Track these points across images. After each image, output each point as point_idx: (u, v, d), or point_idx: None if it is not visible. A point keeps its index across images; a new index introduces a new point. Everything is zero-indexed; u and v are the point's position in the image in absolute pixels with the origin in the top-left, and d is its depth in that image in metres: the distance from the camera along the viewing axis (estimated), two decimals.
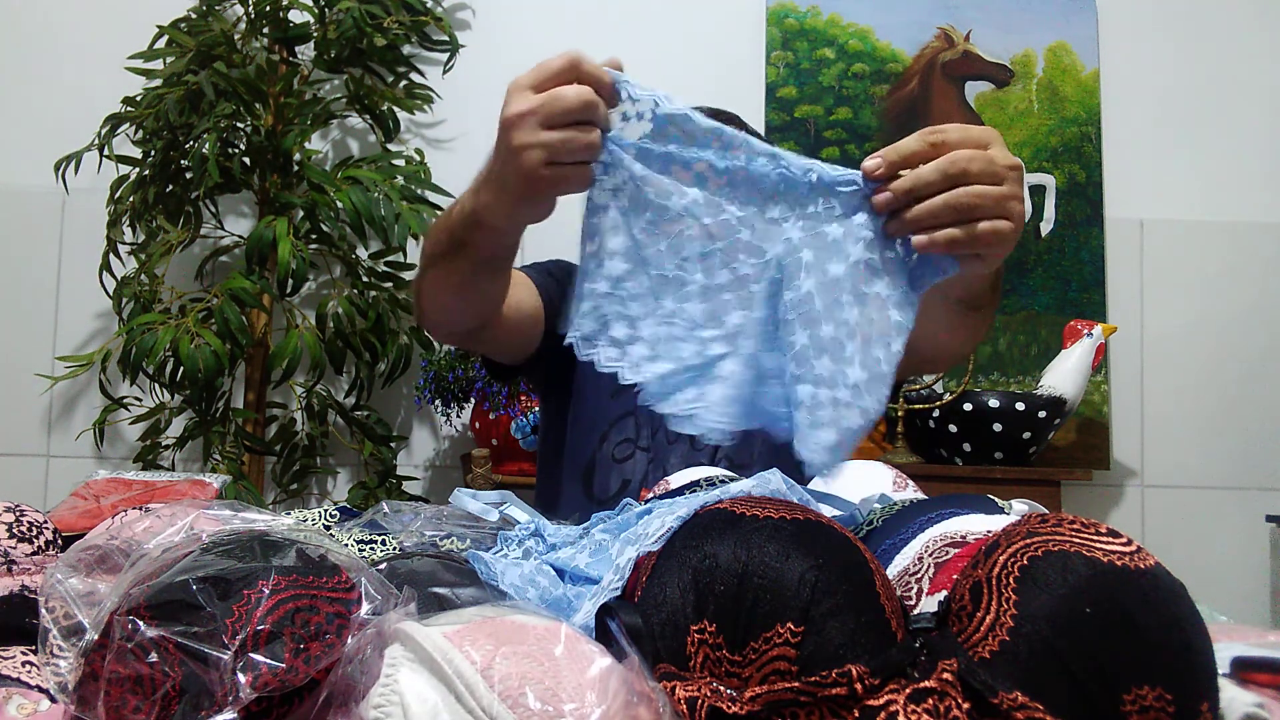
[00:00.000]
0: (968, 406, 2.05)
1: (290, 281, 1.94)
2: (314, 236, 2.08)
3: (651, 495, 0.85)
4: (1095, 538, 0.50)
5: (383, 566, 0.62)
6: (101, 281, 2.09)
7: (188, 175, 2.05)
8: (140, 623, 0.47)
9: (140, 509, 0.70)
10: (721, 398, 0.77)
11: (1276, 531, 2.18)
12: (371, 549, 0.71)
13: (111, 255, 2.10)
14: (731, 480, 0.78)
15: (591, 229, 0.78)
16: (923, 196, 0.72)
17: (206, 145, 1.92)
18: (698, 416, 0.77)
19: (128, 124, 2.08)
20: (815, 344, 0.76)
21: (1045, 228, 2.32)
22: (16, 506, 0.77)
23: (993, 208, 0.71)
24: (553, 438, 1.33)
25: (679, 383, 0.77)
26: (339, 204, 2.00)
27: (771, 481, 0.70)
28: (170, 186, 2.08)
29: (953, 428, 2.07)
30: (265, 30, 2.15)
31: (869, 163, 0.74)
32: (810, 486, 0.88)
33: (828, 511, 0.74)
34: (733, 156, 0.77)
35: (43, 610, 0.54)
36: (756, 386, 0.78)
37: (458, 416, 2.19)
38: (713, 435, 0.77)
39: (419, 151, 2.19)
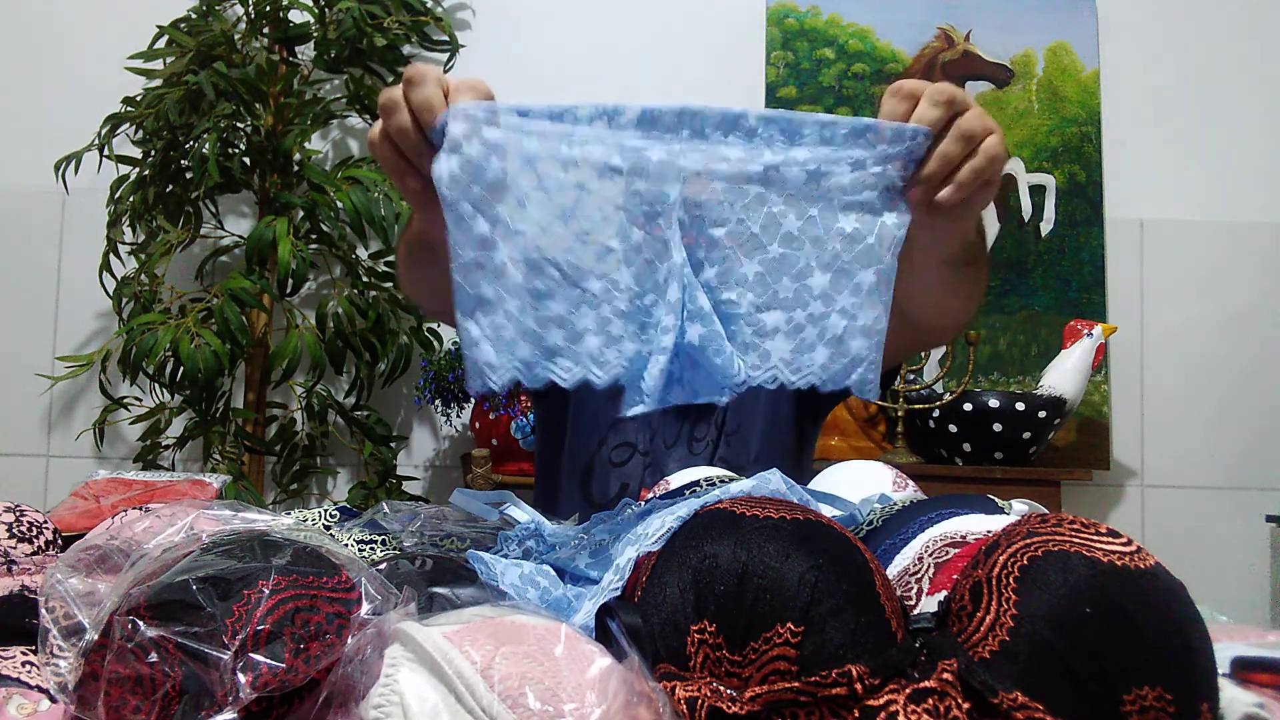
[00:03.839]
0: (968, 406, 2.05)
1: (290, 281, 1.94)
2: (314, 236, 2.08)
3: (651, 496, 0.85)
4: (1095, 538, 0.50)
5: (383, 566, 0.62)
6: (101, 281, 2.09)
7: (188, 175, 2.05)
8: (140, 623, 0.47)
9: (140, 509, 0.70)
10: (663, 351, 0.71)
11: (1276, 531, 2.18)
12: (371, 549, 0.71)
13: (111, 255, 2.10)
14: (731, 480, 0.78)
15: (465, 243, 0.70)
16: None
17: (206, 145, 1.92)
18: (646, 387, 0.71)
19: (128, 124, 2.08)
20: (768, 268, 0.72)
21: (1045, 228, 2.32)
22: (16, 506, 0.77)
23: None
24: (551, 440, 1.32)
25: (643, 363, 0.71)
26: (339, 204, 2.00)
27: (771, 481, 0.70)
28: (170, 186, 2.08)
29: (953, 428, 2.07)
30: (265, 30, 2.15)
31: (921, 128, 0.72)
32: (810, 486, 0.88)
33: (828, 511, 0.74)
34: (592, 115, 0.70)
35: (43, 610, 0.54)
36: (693, 334, 0.71)
37: (458, 416, 2.19)
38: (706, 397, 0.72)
39: None
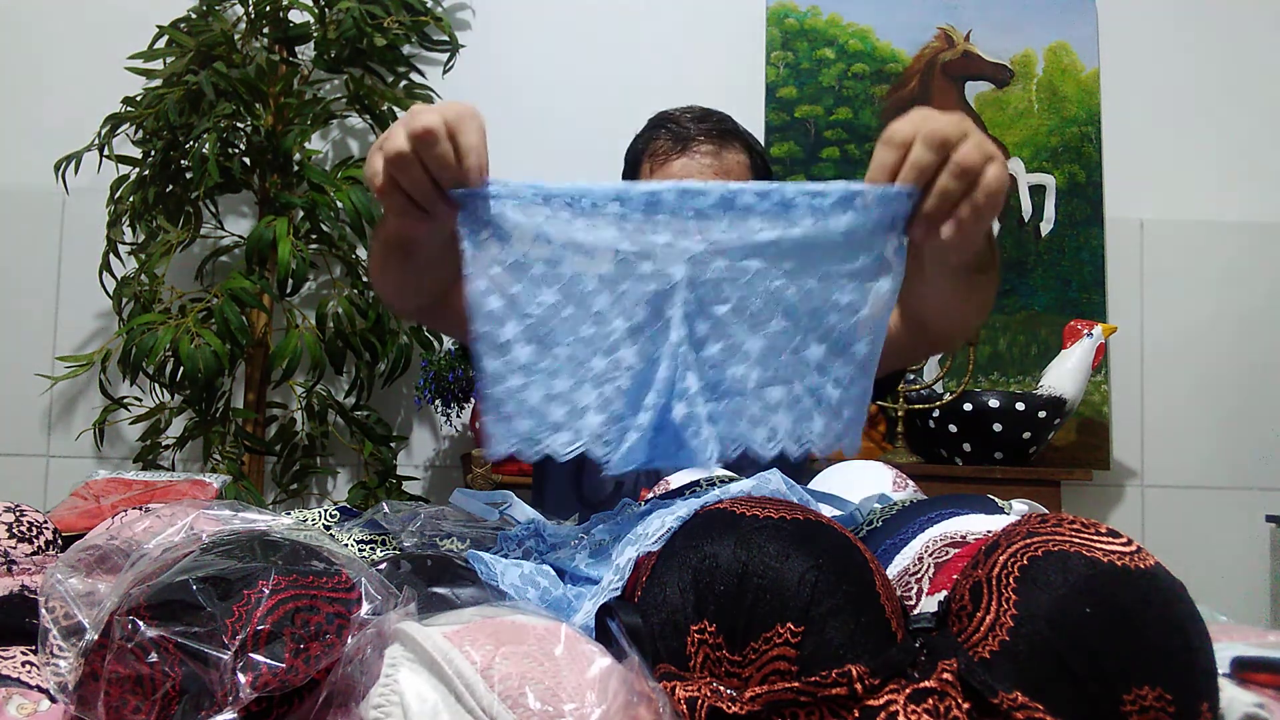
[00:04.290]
0: (968, 406, 2.05)
1: (290, 281, 1.94)
2: (314, 236, 2.08)
3: (651, 495, 0.85)
4: (1095, 538, 0.50)
5: (383, 566, 0.62)
6: (101, 281, 2.09)
7: (188, 175, 2.05)
8: (140, 623, 0.47)
9: (140, 509, 0.70)
10: (639, 427, 0.74)
11: (1276, 531, 2.18)
12: (371, 549, 0.71)
13: (111, 255, 2.10)
14: (731, 480, 0.78)
15: (478, 317, 0.73)
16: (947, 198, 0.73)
17: (206, 145, 1.92)
18: (614, 458, 0.74)
19: (128, 124, 2.08)
20: (771, 343, 0.75)
21: (1045, 228, 2.32)
22: (16, 506, 0.77)
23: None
24: None
25: (645, 435, 0.74)
26: (339, 204, 2.00)
27: (771, 481, 0.70)
28: (170, 186, 2.08)
29: (953, 428, 2.07)
30: (265, 30, 2.15)
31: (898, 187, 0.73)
32: (810, 486, 0.88)
33: (828, 511, 0.74)
34: (595, 200, 0.74)
35: (43, 610, 0.54)
36: (677, 412, 0.74)
37: (458, 416, 2.19)
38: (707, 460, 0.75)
39: None
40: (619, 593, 0.59)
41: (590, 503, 1.23)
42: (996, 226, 2.33)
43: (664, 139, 1.26)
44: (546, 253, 0.73)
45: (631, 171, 1.32)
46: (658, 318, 0.74)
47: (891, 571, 0.66)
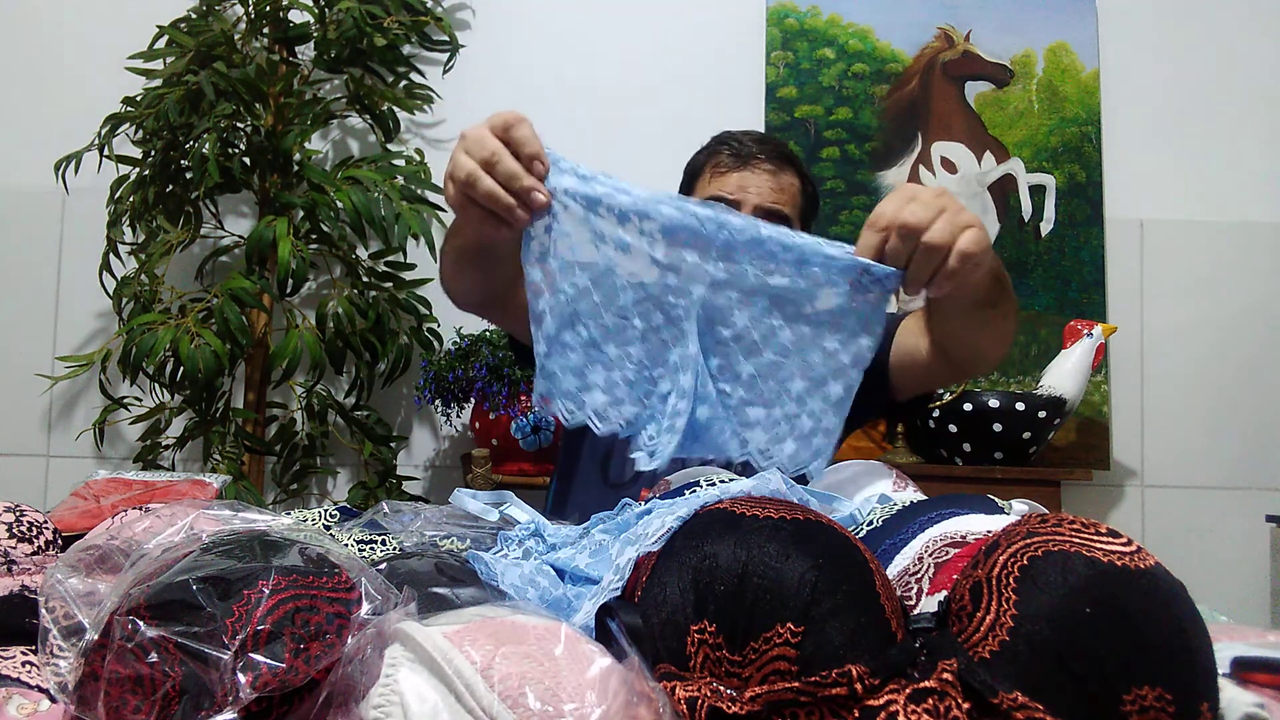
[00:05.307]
0: (968, 406, 2.05)
1: (290, 281, 1.94)
2: (314, 236, 2.08)
3: (651, 495, 0.85)
4: (1095, 538, 0.50)
5: (383, 566, 0.62)
6: (101, 281, 2.09)
7: (188, 175, 2.05)
8: (140, 623, 0.47)
9: (140, 509, 0.70)
10: (673, 429, 0.83)
11: (1276, 531, 2.18)
12: (371, 549, 0.71)
13: (111, 255, 2.10)
14: (731, 480, 0.78)
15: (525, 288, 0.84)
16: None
17: (206, 145, 1.92)
18: (658, 452, 0.83)
19: (128, 124, 2.08)
20: (760, 371, 0.85)
21: (1045, 228, 2.32)
22: (16, 506, 0.77)
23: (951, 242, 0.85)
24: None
25: (643, 422, 0.84)
26: (339, 204, 2.00)
27: (771, 481, 0.70)
28: (170, 186, 2.08)
29: (953, 428, 2.07)
30: (265, 30, 2.15)
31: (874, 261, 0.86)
32: (810, 486, 0.89)
33: (827, 512, 0.74)
34: (647, 209, 0.83)
35: (43, 610, 0.54)
36: (701, 414, 0.84)
37: (458, 416, 2.19)
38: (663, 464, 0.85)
39: (419, 151, 2.19)
40: (619, 593, 0.59)
41: (615, 484, 1.31)
42: (994, 229, 2.33)
43: (726, 155, 1.33)
44: (591, 244, 0.83)
45: (690, 182, 1.39)
46: (672, 326, 0.84)
47: (891, 571, 0.66)
